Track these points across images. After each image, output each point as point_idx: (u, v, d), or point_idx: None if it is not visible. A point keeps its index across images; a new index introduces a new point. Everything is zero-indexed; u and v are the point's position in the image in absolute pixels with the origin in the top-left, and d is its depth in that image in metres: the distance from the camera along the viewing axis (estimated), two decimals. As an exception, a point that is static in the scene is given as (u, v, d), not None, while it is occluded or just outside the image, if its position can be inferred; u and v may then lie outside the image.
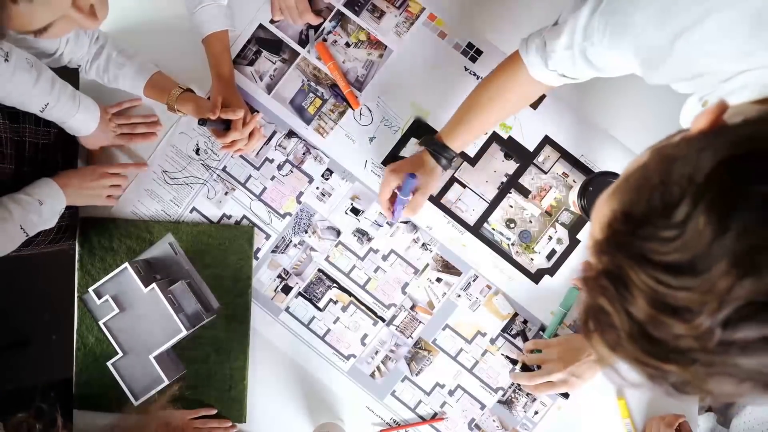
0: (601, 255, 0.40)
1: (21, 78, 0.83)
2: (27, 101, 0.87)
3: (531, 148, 1.02)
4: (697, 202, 0.34)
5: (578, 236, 1.02)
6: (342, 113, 1.04)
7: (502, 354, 1.02)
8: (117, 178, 1.01)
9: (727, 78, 0.53)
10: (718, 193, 0.34)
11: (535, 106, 1.02)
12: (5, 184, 0.90)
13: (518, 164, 1.02)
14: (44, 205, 0.89)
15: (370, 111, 1.04)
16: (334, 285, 1.03)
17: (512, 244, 1.03)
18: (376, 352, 1.03)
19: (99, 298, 0.96)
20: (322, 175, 1.04)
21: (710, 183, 0.34)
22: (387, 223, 1.03)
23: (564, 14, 0.71)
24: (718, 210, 0.33)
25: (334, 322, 1.03)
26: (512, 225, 1.03)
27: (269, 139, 1.04)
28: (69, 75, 1.02)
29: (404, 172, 0.92)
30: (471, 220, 1.03)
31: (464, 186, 1.03)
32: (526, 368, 1.01)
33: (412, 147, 1.03)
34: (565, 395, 1.01)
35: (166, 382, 0.95)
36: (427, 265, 1.03)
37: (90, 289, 0.96)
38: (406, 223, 1.03)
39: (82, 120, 0.95)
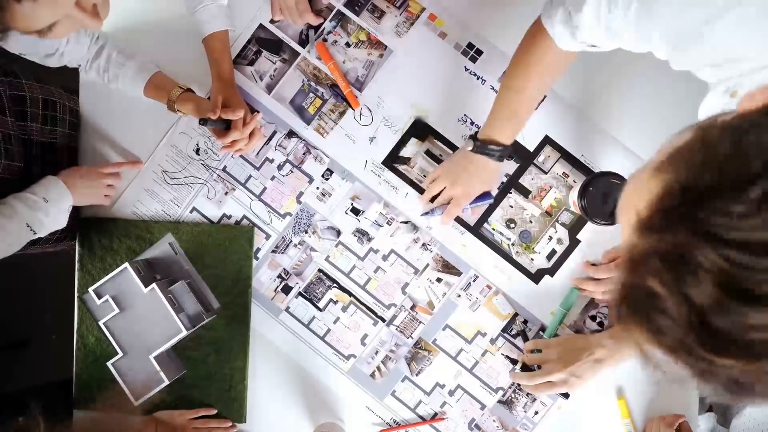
0: (649, 233, 0.36)
1: None
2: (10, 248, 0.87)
3: (531, 148, 1.02)
4: None
5: (578, 236, 1.02)
6: (342, 113, 1.04)
7: (502, 354, 1.02)
8: (113, 177, 1.02)
9: (762, 66, 0.50)
10: None
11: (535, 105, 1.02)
12: (14, 182, 0.90)
13: (518, 164, 1.02)
14: (49, 203, 0.89)
15: (370, 111, 1.04)
16: (334, 285, 1.03)
17: (512, 244, 1.03)
18: (376, 352, 1.03)
19: (99, 298, 0.96)
20: (322, 175, 1.04)
21: None
22: (421, 215, 1.02)
23: None
24: None
25: (334, 322, 1.03)
26: (512, 225, 1.03)
27: (269, 139, 1.04)
28: (69, 74, 1.02)
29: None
30: (471, 220, 1.03)
31: (464, 186, 1.03)
32: (526, 368, 1.01)
33: (412, 147, 1.03)
34: (566, 395, 1.01)
35: (166, 382, 0.95)
36: (427, 265, 1.03)
37: (90, 289, 0.96)
38: (406, 223, 1.03)
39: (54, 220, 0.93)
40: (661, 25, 0.58)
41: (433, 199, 1.01)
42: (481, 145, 0.91)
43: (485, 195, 1.00)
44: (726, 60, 0.55)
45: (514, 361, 1.02)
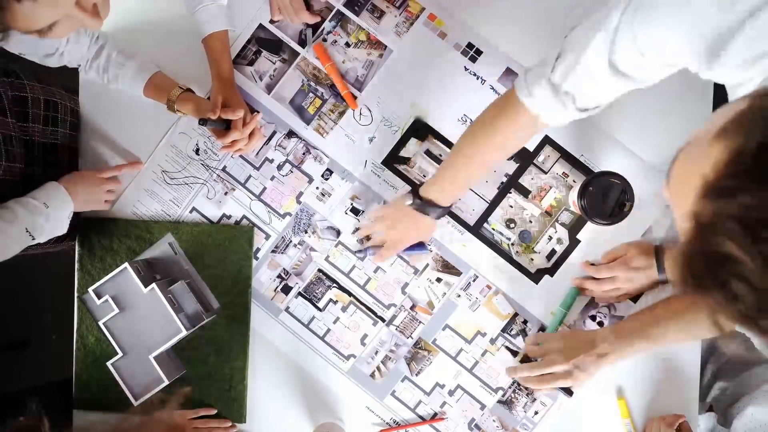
0: (719, 197, 0.35)
1: None
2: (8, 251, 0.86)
3: (531, 148, 1.02)
4: None
5: (578, 236, 1.02)
6: (342, 113, 1.04)
7: (504, 345, 1.02)
8: (112, 182, 1.02)
9: None
10: None
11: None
12: (15, 183, 0.90)
13: (518, 164, 1.02)
14: (50, 209, 0.89)
15: (370, 111, 1.04)
16: (334, 285, 1.03)
17: (512, 244, 1.03)
18: (376, 352, 1.03)
19: (99, 298, 0.96)
20: (322, 175, 1.04)
21: None
22: (355, 253, 1.03)
23: (567, 44, 0.66)
24: None
25: (334, 322, 1.03)
26: (512, 225, 1.03)
27: (269, 139, 1.04)
28: (69, 74, 1.02)
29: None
30: (471, 220, 1.03)
31: (464, 186, 1.03)
32: (527, 361, 1.01)
33: (412, 147, 1.03)
34: (569, 393, 1.00)
35: (166, 382, 0.95)
36: (427, 265, 1.03)
37: (90, 289, 0.96)
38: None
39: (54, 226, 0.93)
40: (696, 26, 0.54)
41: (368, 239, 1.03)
42: (421, 204, 0.92)
43: (420, 245, 1.01)
44: (756, 57, 0.52)
45: (515, 353, 1.01)
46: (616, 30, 0.60)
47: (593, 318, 1.01)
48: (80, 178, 0.98)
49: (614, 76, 0.63)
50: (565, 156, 1.02)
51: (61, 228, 0.92)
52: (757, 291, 0.33)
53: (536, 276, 1.02)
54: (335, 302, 1.03)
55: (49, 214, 0.89)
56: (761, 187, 0.33)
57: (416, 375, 1.02)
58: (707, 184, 0.36)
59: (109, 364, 0.96)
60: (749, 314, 0.34)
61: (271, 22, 1.04)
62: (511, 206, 1.02)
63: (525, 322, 1.02)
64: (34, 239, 0.87)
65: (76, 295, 1.02)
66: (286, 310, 1.04)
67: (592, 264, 0.99)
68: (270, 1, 1.02)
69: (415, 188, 0.95)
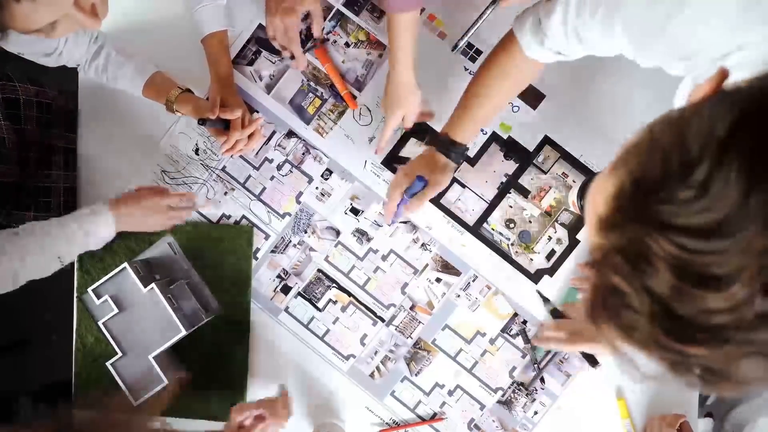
0: (609, 231, 0.36)
1: (31, 260, 0.82)
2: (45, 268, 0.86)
3: (531, 148, 1.02)
4: (721, 158, 0.31)
5: (578, 236, 1.01)
6: (341, 113, 1.04)
7: (538, 291, 1.00)
8: (178, 212, 0.98)
9: (721, 56, 0.52)
10: (743, 147, 0.31)
11: (534, 106, 1.02)
12: (10, 186, 0.90)
13: (518, 164, 1.02)
14: (89, 236, 0.88)
15: (369, 111, 1.04)
16: (334, 285, 1.03)
17: (512, 244, 1.02)
18: (376, 353, 1.03)
19: (98, 298, 0.96)
20: (322, 175, 1.04)
21: (733, 136, 0.31)
22: (386, 223, 1.03)
23: None
24: (747, 164, 0.30)
25: (334, 323, 1.03)
26: (512, 225, 1.02)
27: (269, 139, 1.04)
28: (64, 75, 1.02)
29: (416, 174, 0.91)
30: (470, 220, 1.03)
31: (464, 186, 1.03)
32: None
33: (412, 147, 1.03)
34: (594, 362, 0.98)
35: (166, 382, 0.95)
36: (427, 265, 1.03)
37: (89, 289, 0.96)
38: (405, 222, 1.03)
39: (96, 239, 0.92)
40: (625, 25, 0.59)
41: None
42: (443, 143, 0.91)
43: (418, 181, 0.93)
44: (690, 53, 0.56)
45: (545, 299, 0.99)
46: (577, 2, 0.64)
47: (593, 318, 1.01)
48: (137, 204, 0.93)
49: (564, 34, 0.69)
50: (565, 156, 1.02)
51: (95, 247, 0.92)
52: (646, 321, 0.34)
53: (536, 276, 1.02)
54: (335, 302, 1.03)
55: (88, 242, 0.88)
56: (636, 220, 0.34)
57: (416, 375, 1.02)
58: (599, 219, 0.38)
59: (108, 364, 0.96)
60: (644, 342, 0.36)
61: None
62: (511, 206, 1.02)
63: (524, 322, 1.02)
64: (62, 265, 0.86)
65: (75, 294, 1.02)
66: (286, 310, 1.04)
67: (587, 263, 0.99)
68: (267, 20, 1.00)
69: (431, 136, 0.96)
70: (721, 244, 0.31)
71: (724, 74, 0.37)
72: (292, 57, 1.02)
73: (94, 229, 0.88)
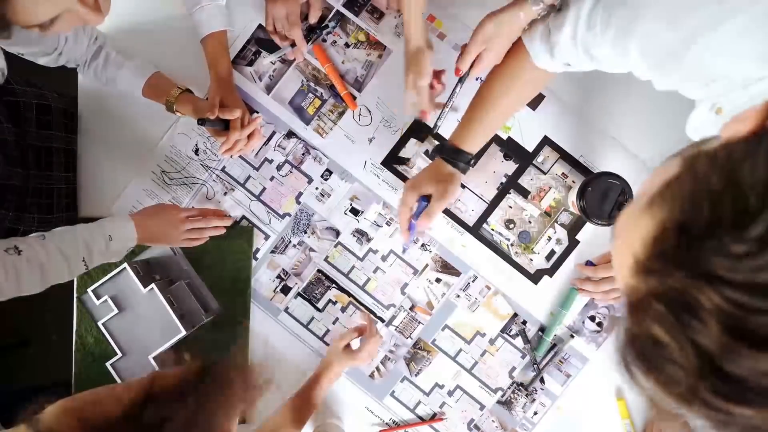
0: (648, 276, 0.34)
1: (54, 267, 0.83)
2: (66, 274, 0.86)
3: (530, 148, 1.02)
4: None
5: (577, 237, 1.01)
6: (341, 114, 1.04)
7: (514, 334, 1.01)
8: (201, 231, 0.98)
9: (747, 84, 0.50)
10: None
11: (534, 106, 1.02)
12: (10, 187, 0.90)
13: (517, 165, 1.02)
14: (108, 255, 0.88)
15: (369, 111, 1.04)
16: (333, 285, 1.03)
17: (511, 245, 1.02)
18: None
19: (98, 298, 0.96)
20: (322, 176, 1.04)
21: None
22: (406, 247, 1.01)
23: None
24: None
25: (333, 323, 1.03)
26: (511, 225, 1.02)
27: (268, 140, 1.04)
28: (63, 76, 1.02)
29: (422, 185, 0.87)
30: (470, 220, 1.03)
31: (463, 186, 1.03)
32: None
33: (412, 147, 1.03)
34: None
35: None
36: (427, 265, 1.03)
37: (89, 290, 0.96)
38: (423, 240, 1.02)
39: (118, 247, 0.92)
40: (639, 47, 0.58)
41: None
42: (451, 153, 0.88)
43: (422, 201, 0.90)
44: (707, 78, 0.55)
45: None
46: (587, 18, 0.64)
47: (592, 318, 1.01)
48: (158, 218, 0.94)
49: (574, 47, 0.69)
50: (565, 156, 1.02)
51: (116, 258, 0.92)
52: (690, 376, 0.32)
53: (535, 276, 1.02)
54: (334, 303, 1.03)
55: (111, 247, 0.88)
56: (683, 268, 0.32)
57: (415, 375, 1.02)
58: (636, 261, 0.35)
59: (108, 364, 0.96)
60: (686, 398, 0.33)
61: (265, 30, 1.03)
62: (511, 207, 1.02)
63: (524, 322, 1.02)
64: (70, 277, 0.86)
65: (75, 295, 1.02)
66: (286, 310, 1.04)
67: (588, 262, 0.99)
68: (266, 10, 1.01)
69: (438, 146, 0.95)
70: None
71: None
72: (293, 45, 1.02)
73: (117, 233, 0.89)
